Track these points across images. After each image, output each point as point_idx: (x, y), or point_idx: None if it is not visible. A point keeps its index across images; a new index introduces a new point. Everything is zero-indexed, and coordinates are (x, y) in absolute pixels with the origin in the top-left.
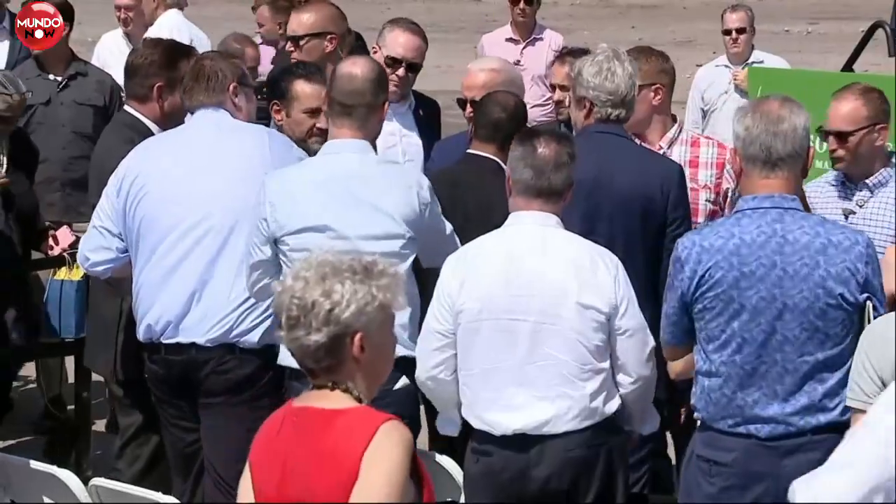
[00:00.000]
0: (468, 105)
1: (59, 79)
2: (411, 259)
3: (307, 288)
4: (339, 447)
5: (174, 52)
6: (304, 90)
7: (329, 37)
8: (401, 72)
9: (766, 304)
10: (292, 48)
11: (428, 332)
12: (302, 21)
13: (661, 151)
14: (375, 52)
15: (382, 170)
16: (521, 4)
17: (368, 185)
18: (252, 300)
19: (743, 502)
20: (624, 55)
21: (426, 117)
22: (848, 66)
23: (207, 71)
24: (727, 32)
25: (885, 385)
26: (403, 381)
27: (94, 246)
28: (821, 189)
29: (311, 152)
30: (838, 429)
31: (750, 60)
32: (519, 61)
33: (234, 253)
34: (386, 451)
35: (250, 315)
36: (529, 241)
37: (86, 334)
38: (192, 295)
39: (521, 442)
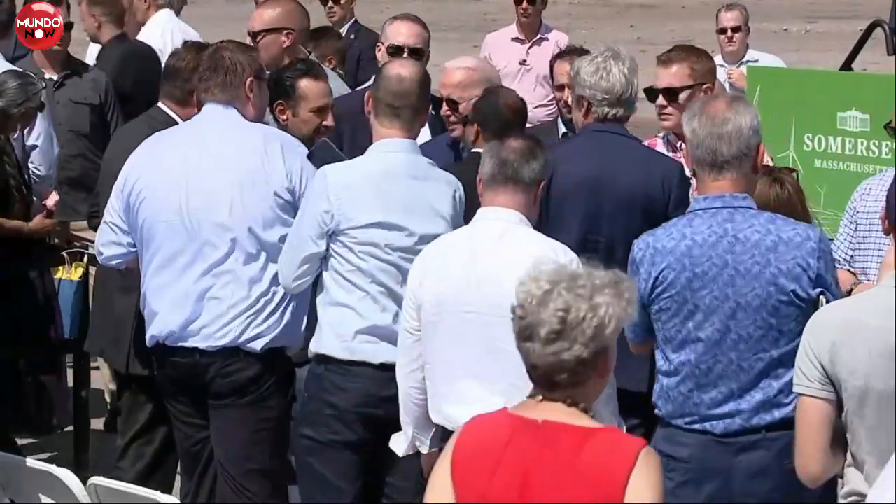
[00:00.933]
0: (444, 103)
1: (55, 78)
2: None
3: (572, 302)
4: (598, 466)
5: None
6: (312, 88)
7: (286, 32)
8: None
9: (719, 304)
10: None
11: (401, 331)
12: (262, 17)
13: None
14: (379, 50)
15: (434, 171)
16: (525, 4)
17: (426, 186)
18: (257, 306)
19: (697, 499)
20: (624, 55)
21: (439, 118)
22: (846, 65)
23: (227, 63)
24: (722, 31)
25: (824, 370)
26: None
27: (106, 241)
28: (885, 183)
29: None
30: (792, 425)
31: (744, 59)
32: (525, 61)
33: (239, 259)
34: (651, 476)
35: (253, 322)
36: (489, 236)
37: (95, 328)
38: (195, 303)
39: None
